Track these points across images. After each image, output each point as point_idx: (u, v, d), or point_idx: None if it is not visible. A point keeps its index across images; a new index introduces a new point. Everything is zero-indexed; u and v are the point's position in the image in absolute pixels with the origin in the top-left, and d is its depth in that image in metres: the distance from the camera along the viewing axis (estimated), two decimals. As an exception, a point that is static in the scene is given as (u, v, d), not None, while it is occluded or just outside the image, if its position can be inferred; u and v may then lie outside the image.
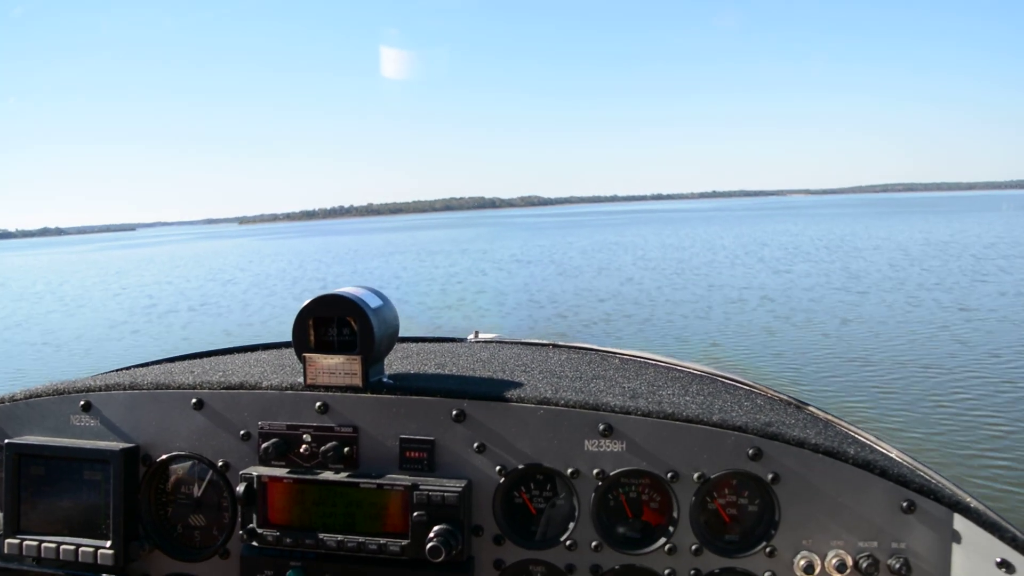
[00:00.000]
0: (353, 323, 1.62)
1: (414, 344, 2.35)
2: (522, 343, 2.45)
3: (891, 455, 1.70)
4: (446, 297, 19.11)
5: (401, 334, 2.41)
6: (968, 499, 1.52)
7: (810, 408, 1.96)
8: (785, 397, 2.01)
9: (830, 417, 1.92)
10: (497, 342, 2.47)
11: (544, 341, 2.44)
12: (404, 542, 1.57)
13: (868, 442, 1.78)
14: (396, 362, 1.96)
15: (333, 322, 1.65)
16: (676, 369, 2.15)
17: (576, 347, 2.38)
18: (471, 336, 2.57)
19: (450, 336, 2.58)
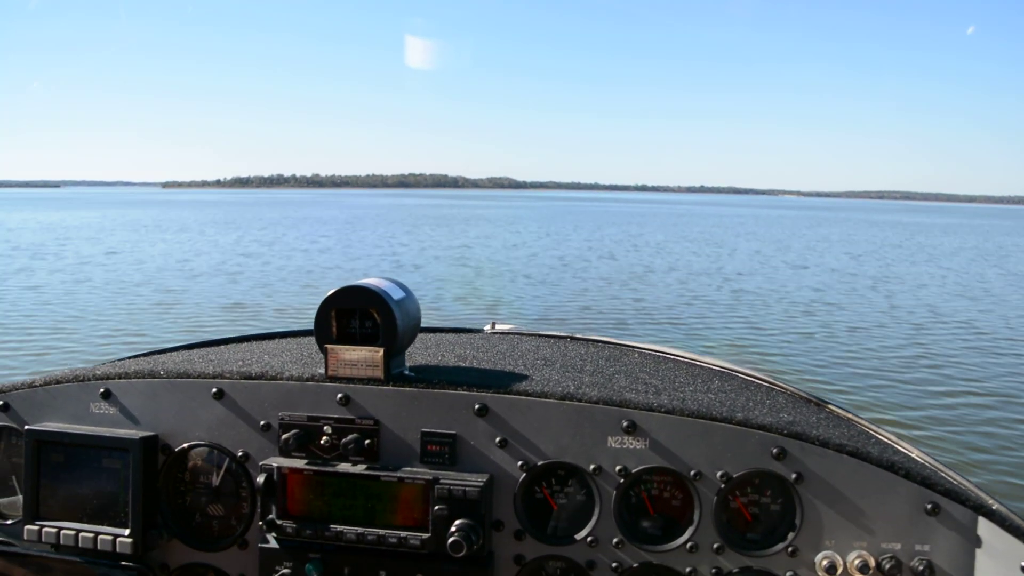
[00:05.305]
0: (376, 315, 1.61)
1: (432, 335, 2.33)
2: (539, 335, 2.43)
3: (912, 455, 1.69)
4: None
5: None
6: (992, 503, 1.50)
7: (830, 406, 1.95)
8: (805, 395, 2.00)
9: (851, 416, 1.91)
10: (515, 334, 2.46)
11: (561, 333, 2.43)
12: (424, 536, 1.56)
13: (890, 442, 1.77)
14: (416, 353, 1.95)
15: (356, 314, 1.64)
16: (696, 364, 2.14)
17: (594, 340, 2.36)
18: (488, 327, 2.56)
19: (466, 327, 2.57)
